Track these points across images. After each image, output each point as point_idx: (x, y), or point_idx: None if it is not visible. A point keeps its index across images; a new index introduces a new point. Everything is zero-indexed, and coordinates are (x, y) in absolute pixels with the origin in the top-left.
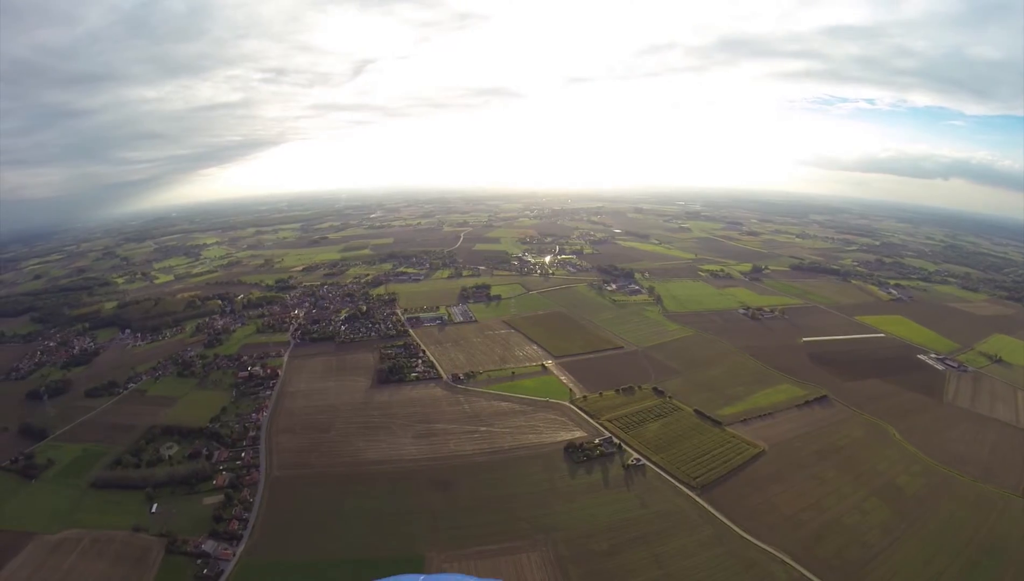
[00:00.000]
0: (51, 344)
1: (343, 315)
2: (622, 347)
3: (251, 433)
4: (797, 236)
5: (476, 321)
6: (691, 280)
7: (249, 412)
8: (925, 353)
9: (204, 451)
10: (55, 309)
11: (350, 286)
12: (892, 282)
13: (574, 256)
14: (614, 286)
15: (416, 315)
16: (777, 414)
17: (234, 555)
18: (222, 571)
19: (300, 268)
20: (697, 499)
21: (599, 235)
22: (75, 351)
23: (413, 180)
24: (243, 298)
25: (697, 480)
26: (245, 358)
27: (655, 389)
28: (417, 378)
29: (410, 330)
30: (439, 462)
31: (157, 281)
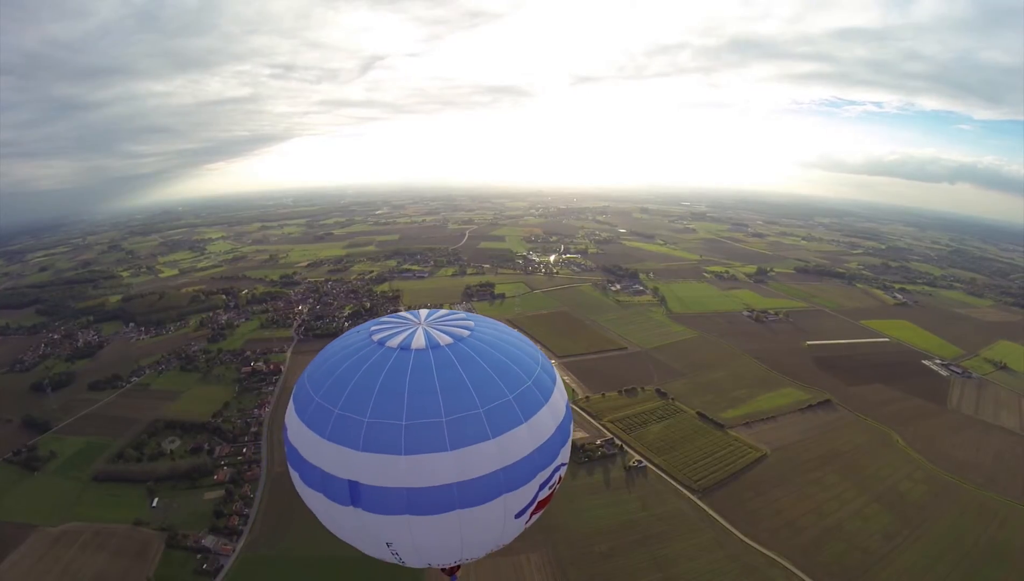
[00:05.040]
0: (55, 337)
1: (347, 311)
2: (625, 348)
3: (253, 429)
4: (803, 238)
5: None
6: (696, 281)
7: (251, 407)
8: (930, 359)
9: (206, 446)
10: (60, 302)
11: (354, 282)
12: (897, 286)
13: (579, 255)
14: (618, 286)
15: None
16: (780, 418)
17: (234, 550)
18: (222, 566)
19: (305, 264)
20: (698, 502)
21: (604, 235)
22: (79, 344)
23: (419, 177)
24: (247, 293)
25: (698, 483)
26: (248, 353)
27: (658, 391)
28: None
29: None
30: None
31: (162, 275)
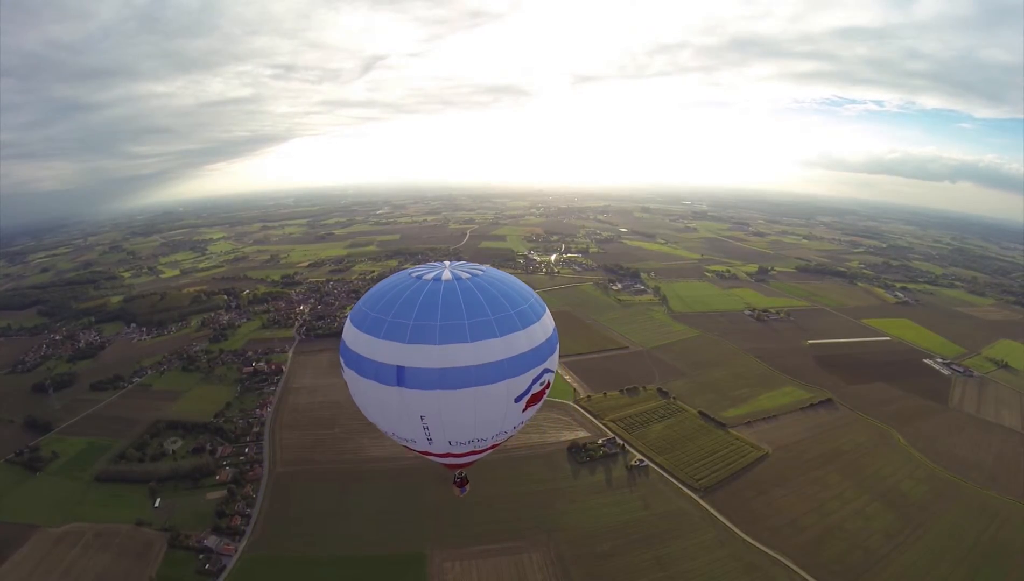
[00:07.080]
0: (57, 337)
1: (348, 312)
2: (627, 347)
3: (255, 429)
4: (804, 237)
5: None
6: (697, 281)
7: (253, 407)
8: (931, 357)
9: (208, 446)
10: (62, 302)
11: (356, 282)
12: (899, 285)
13: (580, 255)
14: (620, 286)
15: None
16: (781, 417)
17: (236, 550)
18: (224, 566)
19: (306, 264)
20: (700, 501)
21: (605, 234)
22: (81, 344)
23: (420, 177)
24: (249, 293)
25: (700, 482)
26: (250, 353)
27: (659, 390)
28: None
29: None
30: None
31: (163, 275)
